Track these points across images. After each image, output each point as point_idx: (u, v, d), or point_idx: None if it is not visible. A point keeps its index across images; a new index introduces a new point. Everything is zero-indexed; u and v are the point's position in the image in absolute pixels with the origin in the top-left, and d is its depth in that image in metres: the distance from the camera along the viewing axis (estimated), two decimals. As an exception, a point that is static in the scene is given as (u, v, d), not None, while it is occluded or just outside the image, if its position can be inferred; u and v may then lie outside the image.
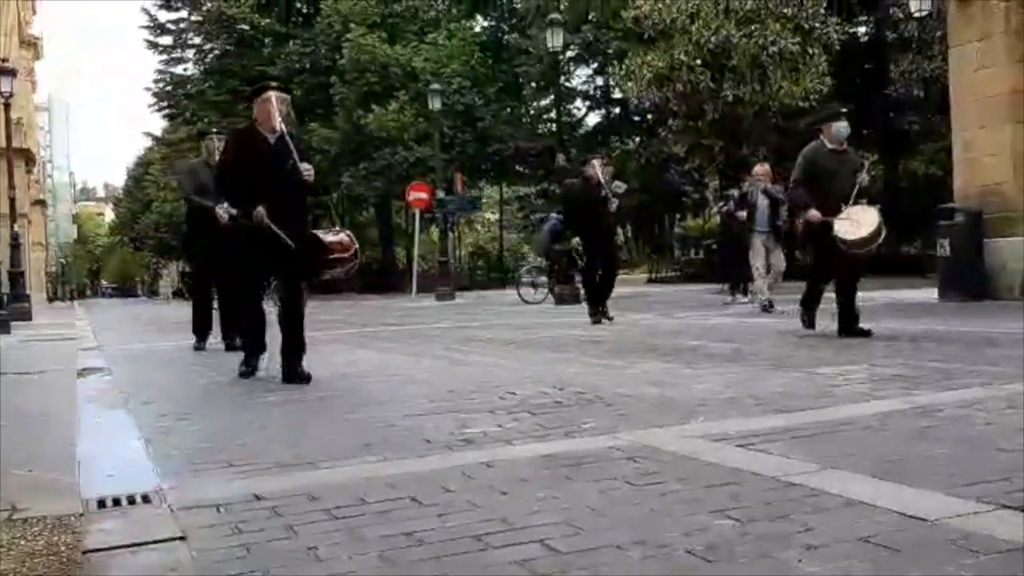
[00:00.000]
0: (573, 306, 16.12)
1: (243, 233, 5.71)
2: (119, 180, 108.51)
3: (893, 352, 6.30)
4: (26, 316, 18.58)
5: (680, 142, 23.95)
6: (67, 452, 3.68)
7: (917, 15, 16.80)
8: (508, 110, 34.01)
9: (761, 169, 12.46)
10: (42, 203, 52.08)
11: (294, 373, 5.55)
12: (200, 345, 8.65)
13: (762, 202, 11.95)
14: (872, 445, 3.24)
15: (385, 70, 30.74)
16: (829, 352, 6.52)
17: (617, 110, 34.16)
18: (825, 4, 18.23)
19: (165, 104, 41.42)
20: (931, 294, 13.23)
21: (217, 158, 7.63)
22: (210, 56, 39.85)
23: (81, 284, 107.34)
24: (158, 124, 53.70)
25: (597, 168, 10.43)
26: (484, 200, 44.15)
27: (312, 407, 4.76)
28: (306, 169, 5.60)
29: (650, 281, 31.44)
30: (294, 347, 5.64)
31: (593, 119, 37.17)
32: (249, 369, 6.02)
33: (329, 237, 6.00)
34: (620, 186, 11.07)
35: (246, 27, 37.25)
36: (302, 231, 5.76)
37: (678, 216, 41.69)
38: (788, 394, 4.46)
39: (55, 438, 4.09)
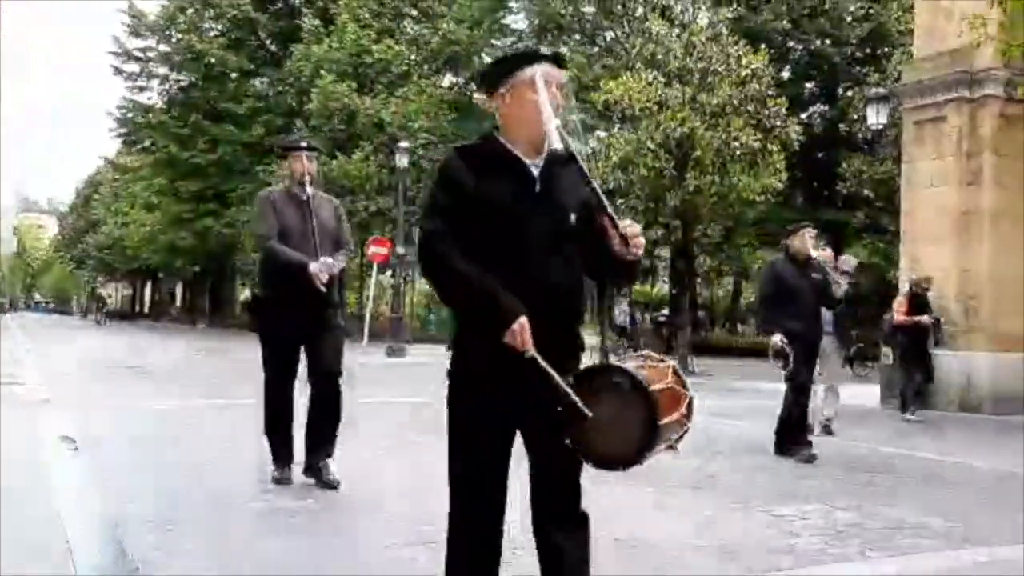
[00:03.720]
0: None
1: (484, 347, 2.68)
2: (63, 194, 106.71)
3: (847, 486, 6.63)
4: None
5: (638, 218, 24.58)
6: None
7: (874, 127, 17.65)
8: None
9: (824, 254, 9.20)
10: (-16, 215, 51.05)
11: None
12: (281, 476, 5.78)
13: None
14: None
15: (352, 119, 30.96)
16: (788, 481, 6.83)
17: (577, 177, 34.79)
18: (787, 106, 19.00)
19: (125, 131, 41.08)
20: (872, 392, 13.90)
21: (308, 185, 5.76)
22: (175, 87, 39.75)
23: (15, 297, 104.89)
24: (112, 144, 53.16)
25: (807, 240, 7.90)
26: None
27: (296, 526, 4.85)
28: (629, 228, 2.66)
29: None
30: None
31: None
32: None
33: (647, 377, 2.65)
34: (849, 261, 8.60)
35: (213, 60, 37.25)
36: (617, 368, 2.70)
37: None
38: (751, 545, 4.72)
39: (45, 553, 4.16)
